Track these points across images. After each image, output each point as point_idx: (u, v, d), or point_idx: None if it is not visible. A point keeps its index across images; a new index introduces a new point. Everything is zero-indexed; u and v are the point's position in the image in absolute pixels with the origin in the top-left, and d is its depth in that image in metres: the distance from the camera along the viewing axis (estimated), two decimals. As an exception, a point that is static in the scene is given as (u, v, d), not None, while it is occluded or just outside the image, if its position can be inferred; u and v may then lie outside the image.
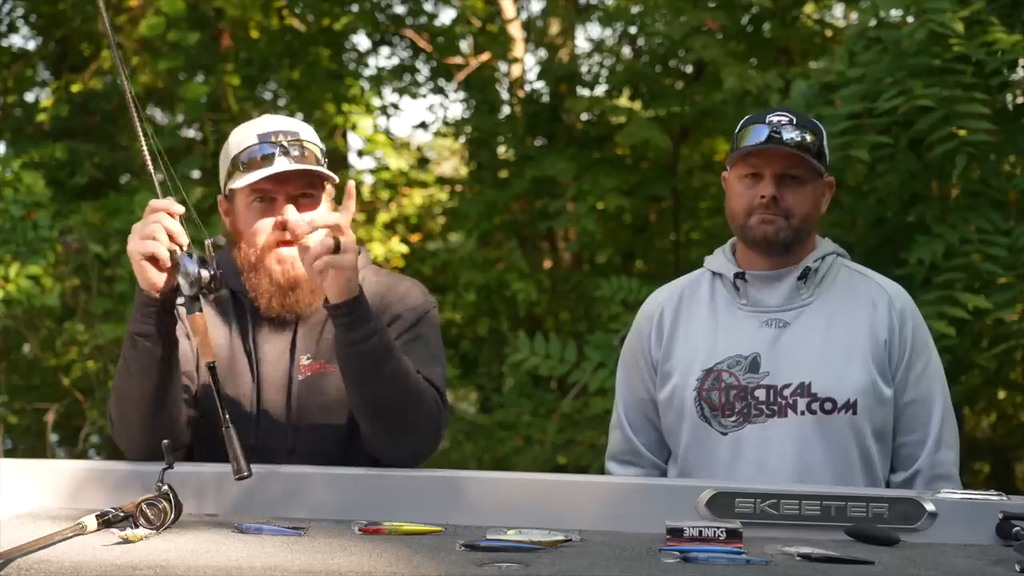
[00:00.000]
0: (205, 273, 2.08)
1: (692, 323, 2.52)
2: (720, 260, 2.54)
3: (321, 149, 2.36)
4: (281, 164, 2.26)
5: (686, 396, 2.45)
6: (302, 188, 2.30)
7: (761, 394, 2.40)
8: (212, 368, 2.11)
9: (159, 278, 2.12)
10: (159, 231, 2.08)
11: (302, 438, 2.32)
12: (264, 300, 2.32)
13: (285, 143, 2.29)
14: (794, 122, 2.42)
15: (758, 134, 2.42)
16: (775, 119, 2.43)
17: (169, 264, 2.10)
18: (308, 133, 2.36)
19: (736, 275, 2.49)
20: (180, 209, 2.11)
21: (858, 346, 2.41)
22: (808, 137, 2.42)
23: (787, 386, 2.39)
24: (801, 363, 2.40)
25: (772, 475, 2.35)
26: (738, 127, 2.50)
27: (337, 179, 2.36)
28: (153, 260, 2.10)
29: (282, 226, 2.27)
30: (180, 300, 2.17)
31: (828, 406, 2.38)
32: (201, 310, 2.11)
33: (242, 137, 2.33)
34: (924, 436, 2.44)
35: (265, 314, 2.34)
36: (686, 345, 2.50)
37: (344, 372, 2.23)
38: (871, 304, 2.45)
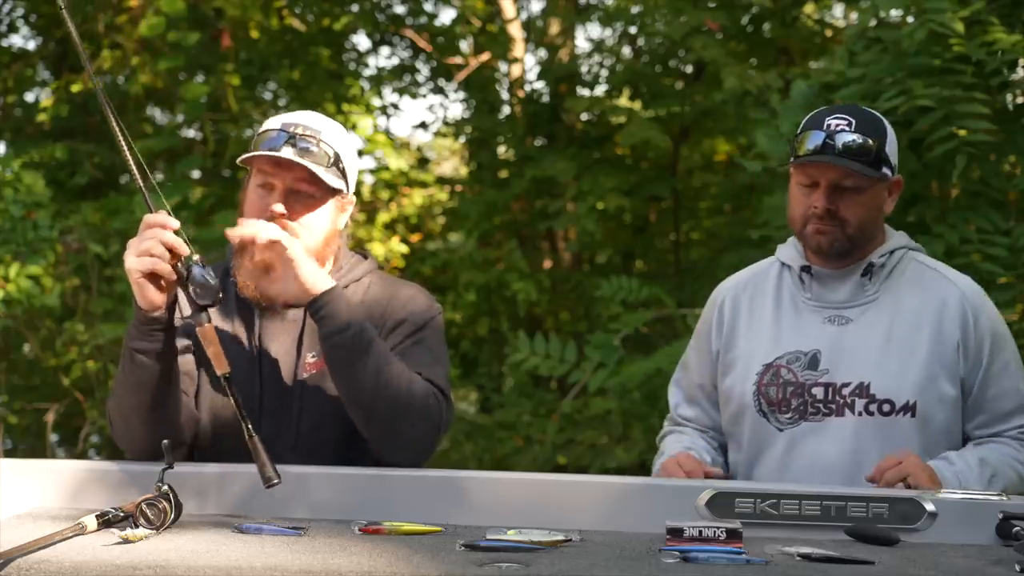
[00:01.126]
0: (216, 282, 2.09)
1: (756, 315, 2.51)
2: (790, 251, 2.53)
3: (337, 154, 2.33)
4: (285, 151, 2.27)
5: (746, 390, 2.46)
6: (301, 182, 2.28)
7: (819, 392, 2.39)
8: (228, 379, 2.11)
9: (158, 296, 2.11)
10: (156, 247, 2.07)
11: (305, 435, 2.32)
12: (241, 279, 2.31)
13: (298, 133, 2.29)
14: (853, 126, 2.37)
15: (814, 140, 2.37)
16: (833, 123, 2.38)
17: (173, 278, 2.09)
18: (331, 135, 2.34)
19: (803, 268, 2.48)
20: (175, 223, 2.10)
21: (922, 345, 2.38)
22: (867, 141, 2.37)
23: (846, 385, 2.38)
24: (861, 362, 2.38)
25: (826, 475, 2.34)
26: (800, 127, 2.46)
27: (341, 187, 2.33)
28: (152, 277, 2.09)
29: (269, 215, 2.27)
30: (181, 314, 2.16)
31: (886, 408, 2.36)
32: (209, 320, 2.11)
33: (269, 122, 2.36)
34: (1016, 424, 2.42)
35: (241, 293, 2.33)
36: (749, 337, 2.50)
37: (329, 370, 2.25)
38: (941, 301, 2.42)
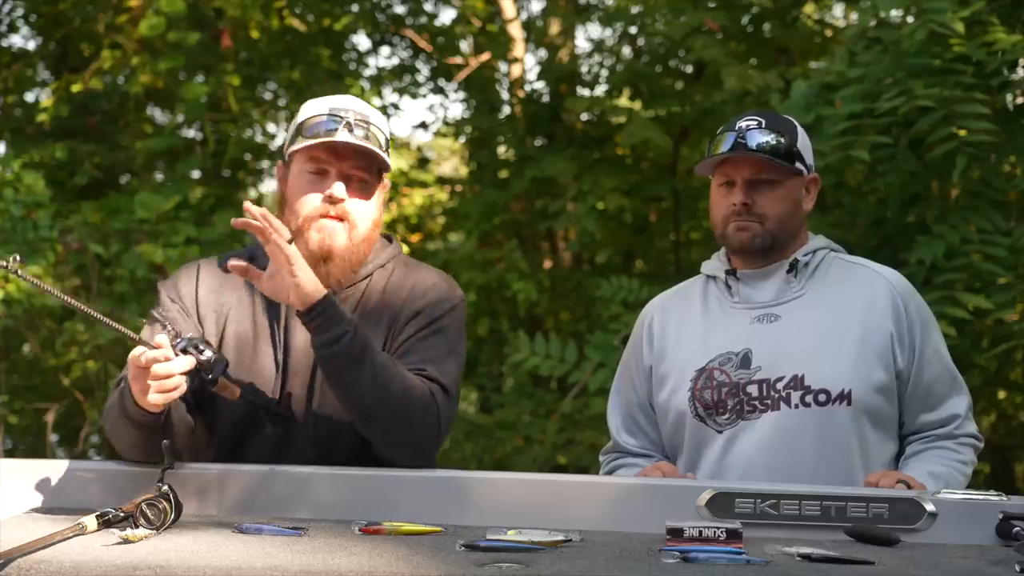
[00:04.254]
0: (217, 352, 2.16)
1: (685, 326, 2.53)
2: (714, 263, 2.57)
3: (387, 138, 2.35)
4: (343, 137, 2.27)
5: (682, 398, 2.46)
6: (358, 169, 2.30)
7: (753, 390, 2.40)
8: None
9: (168, 402, 2.11)
10: (170, 384, 2.06)
11: (323, 427, 2.33)
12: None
13: (352, 120, 2.29)
14: (763, 124, 2.45)
15: (728, 142, 2.46)
16: (743, 124, 2.46)
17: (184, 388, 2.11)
18: (378, 119, 2.36)
19: (727, 272, 2.50)
20: (165, 351, 2.06)
21: (853, 335, 2.40)
22: (777, 139, 2.44)
23: (780, 379, 2.39)
24: (793, 356, 2.39)
25: (764, 469, 2.35)
26: (715, 136, 2.53)
27: (391, 167, 2.36)
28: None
29: (330, 200, 2.28)
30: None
31: (822, 398, 2.37)
32: (221, 374, 2.18)
33: (314, 108, 2.35)
34: (948, 413, 2.45)
35: None
36: (679, 348, 2.51)
37: (325, 378, 2.25)
38: (869, 292, 2.45)
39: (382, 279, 2.40)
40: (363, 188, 2.32)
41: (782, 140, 2.44)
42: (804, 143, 2.51)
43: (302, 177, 2.32)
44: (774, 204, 2.44)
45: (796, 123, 2.52)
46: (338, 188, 2.28)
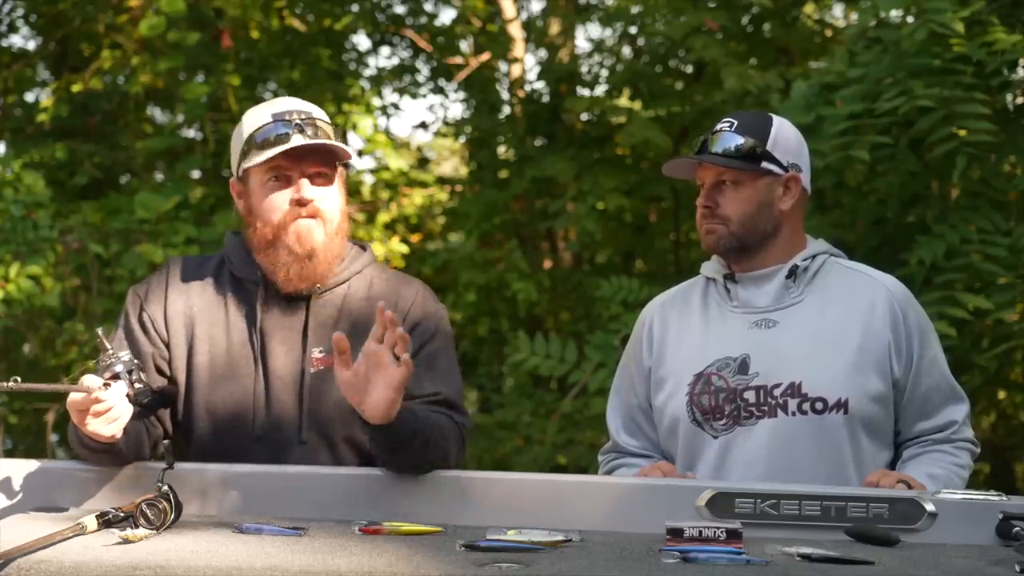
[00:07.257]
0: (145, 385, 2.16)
1: (684, 329, 2.52)
2: (713, 265, 2.56)
3: (335, 126, 2.37)
4: (297, 141, 2.29)
5: (679, 402, 2.45)
6: (317, 166, 2.32)
7: (751, 396, 2.39)
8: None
9: (121, 427, 2.12)
10: (114, 414, 2.08)
11: (314, 430, 2.32)
12: (282, 272, 2.33)
13: (299, 121, 2.31)
14: (733, 127, 2.45)
15: (696, 146, 2.49)
16: (717, 126, 2.48)
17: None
18: (319, 113, 2.38)
19: (726, 276, 2.49)
20: (100, 394, 2.06)
21: (851, 343, 2.39)
22: (744, 139, 2.43)
23: (777, 386, 2.38)
24: (791, 362, 2.39)
25: (761, 477, 2.34)
26: None
27: (352, 153, 2.38)
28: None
29: (298, 203, 2.30)
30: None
31: (819, 406, 2.36)
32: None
33: (256, 117, 2.35)
34: (945, 420, 2.44)
35: (284, 288, 2.34)
36: (678, 351, 2.50)
37: (377, 456, 2.22)
38: (868, 300, 2.43)
39: (362, 286, 2.41)
40: (326, 183, 2.35)
41: (748, 141, 2.44)
42: (783, 143, 2.48)
43: (266, 188, 2.33)
44: (736, 205, 2.44)
45: (778, 122, 2.50)
46: (307, 190, 2.30)
